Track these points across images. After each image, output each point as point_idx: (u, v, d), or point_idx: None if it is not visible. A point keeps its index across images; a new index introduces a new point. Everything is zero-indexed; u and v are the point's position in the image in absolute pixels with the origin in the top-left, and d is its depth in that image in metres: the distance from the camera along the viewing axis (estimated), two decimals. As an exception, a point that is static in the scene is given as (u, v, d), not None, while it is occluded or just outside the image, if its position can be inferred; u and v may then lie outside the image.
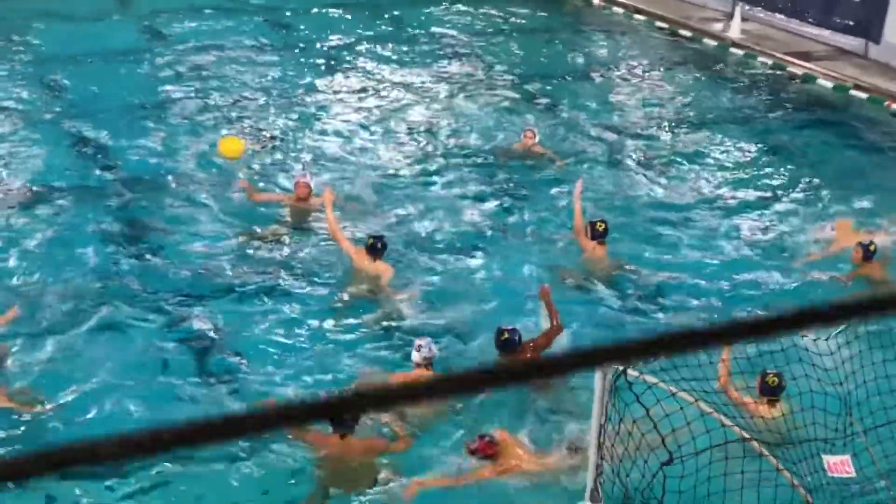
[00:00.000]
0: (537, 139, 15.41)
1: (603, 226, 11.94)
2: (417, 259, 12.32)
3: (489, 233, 13.13)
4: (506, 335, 9.52)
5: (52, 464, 1.37)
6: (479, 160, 15.34)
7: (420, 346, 9.48)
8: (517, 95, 18.56)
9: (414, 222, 13.31)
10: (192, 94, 17.51)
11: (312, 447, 8.65)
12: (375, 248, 11.49)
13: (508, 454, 8.41)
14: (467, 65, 19.94)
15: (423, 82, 18.87)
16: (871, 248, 11.69)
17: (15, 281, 11.33)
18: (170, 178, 14.25)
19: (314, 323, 10.86)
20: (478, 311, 11.18)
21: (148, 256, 12.21)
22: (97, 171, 14.44)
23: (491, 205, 13.94)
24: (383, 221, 13.19)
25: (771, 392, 8.27)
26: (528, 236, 13.02)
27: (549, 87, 19.13)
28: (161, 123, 16.20)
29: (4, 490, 8.15)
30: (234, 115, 16.69)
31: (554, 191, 14.26)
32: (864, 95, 19.24)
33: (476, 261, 12.40)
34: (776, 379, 8.08)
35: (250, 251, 12.31)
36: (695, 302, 11.56)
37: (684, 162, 15.91)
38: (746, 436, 7.22)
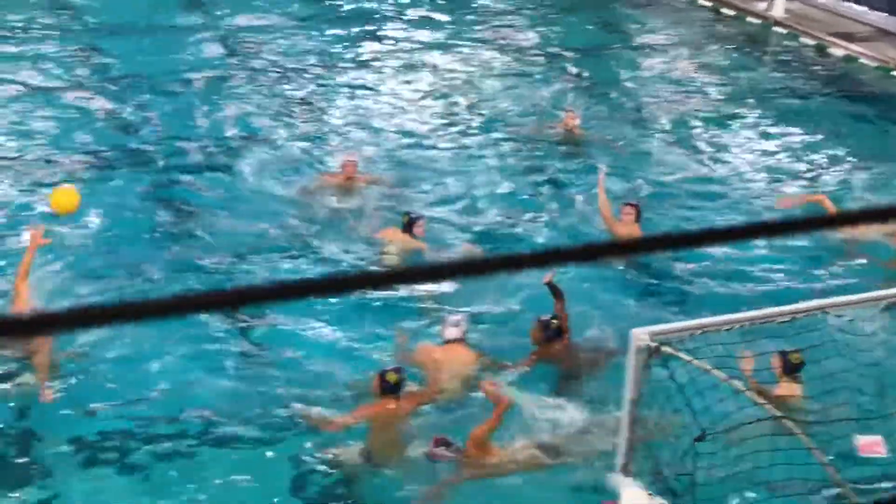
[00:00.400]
0: (578, 121, 15.28)
1: (636, 207, 11.97)
2: (452, 238, 12.38)
3: (526, 214, 13.15)
4: (553, 325, 9.63)
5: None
6: (519, 140, 15.31)
7: (458, 321, 9.62)
8: (558, 73, 18.53)
9: (450, 202, 13.35)
10: (237, 66, 17.63)
11: (368, 419, 8.78)
12: (410, 225, 11.61)
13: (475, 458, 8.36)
14: (507, 40, 19.89)
15: (462, 58, 18.87)
16: None
17: (61, 251, 11.49)
18: (215, 150, 14.41)
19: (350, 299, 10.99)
20: (512, 293, 11.19)
21: (192, 229, 12.37)
22: (143, 144, 14.59)
23: (528, 185, 13.92)
24: (419, 199, 13.26)
25: (794, 369, 8.30)
26: (566, 218, 13.02)
27: (590, 65, 19.08)
28: (205, 94, 16.35)
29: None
30: (277, 87, 16.81)
31: (593, 171, 14.21)
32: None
33: (512, 241, 12.43)
34: (800, 356, 8.03)
35: (293, 227, 12.41)
36: (732, 284, 11.59)
37: (724, 142, 15.85)
38: (778, 414, 7.26)
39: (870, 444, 7.49)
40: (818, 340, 7.67)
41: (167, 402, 9.27)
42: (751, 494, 7.03)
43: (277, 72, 17.48)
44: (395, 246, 11.75)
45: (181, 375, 9.63)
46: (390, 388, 8.64)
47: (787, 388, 8.22)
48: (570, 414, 9.39)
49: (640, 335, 7.13)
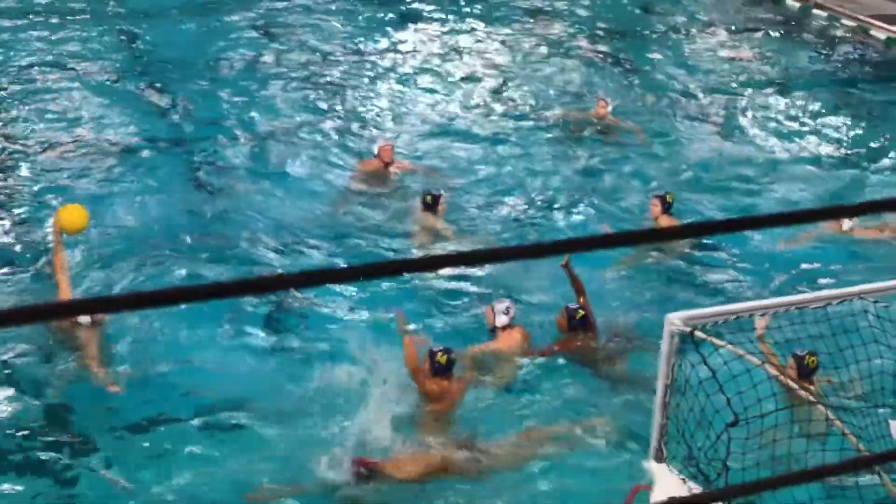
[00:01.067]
0: (610, 108, 15.17)
1: (671, 197, 11.90)
2: (481, 222, 12.39)
3: (557, 202, 13.11)
4: (581, 313, 9.63)
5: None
6: (551, 127, 15.24)
7: (508, 308, 9.65)
8: (593, 57, 18.45)
9: (483, 188, 13.34)
10: (271, 50, 17.70)
11: (429, 397, 8.87)
12: (434, 203, 11.70)
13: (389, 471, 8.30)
14: (541, 24, 19.84)
15: (496, 43, 18.84)
16: None
17: (92, 234, 11.60)
18: (250, 136, 14.48)
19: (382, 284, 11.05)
20: (540, 280, 11.19)
21: (223, 211, 12.46)
22: (176, 130, 14.72)
23: (560, 173, 13.87)
24: (452, 185, 13.27)
25: (810, 373, 8.21)
26: (597, 206, 12.97)
27: (626, 48, 18.99)
28: (237, 79, 16.43)
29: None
30: (312, 72, 16.85)
31: (624, 161, 14.15)
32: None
33: (543, 229, 12.42)
34: (815, 359, 7.96)
35: (329, 214, 12.47)
36: (767, 265, 11.53)
37: (761, 127, 15.75)
38: (813, 399, 7.21)
39: (905, 431, 7.42)
40: (853, 326, 7.60)
41: (206, 385, 9.40)
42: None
43: (312, 56, 17.55)
44: (418, 226, 11.86)
45: (216, 360, 9.74)
46: (441, 370, 8.69)
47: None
48: (600, 400, 9.42)
49: (674, 320, 7.08)
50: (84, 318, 9.22)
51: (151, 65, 16.90)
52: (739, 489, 6.12)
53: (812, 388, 8.15)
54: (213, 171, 13.48)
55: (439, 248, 11.67)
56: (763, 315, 7.39)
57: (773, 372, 7.29)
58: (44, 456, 8.45)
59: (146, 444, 8.64)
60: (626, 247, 10.64)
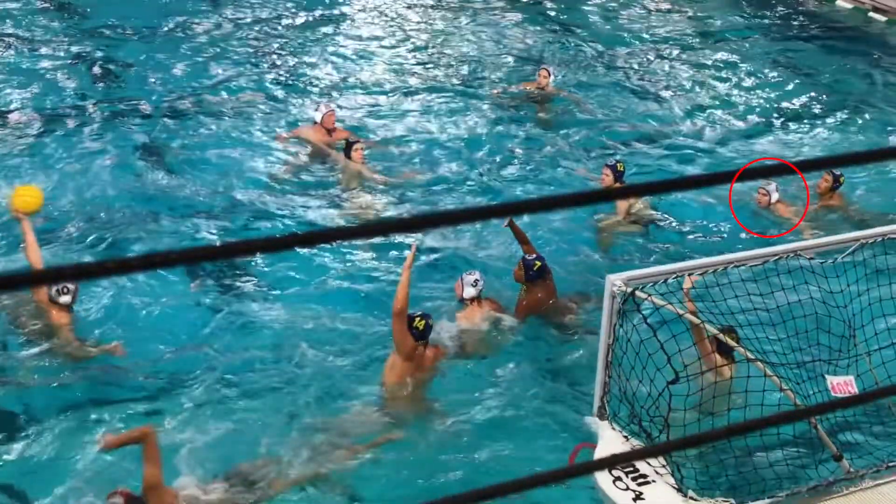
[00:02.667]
0: (552, 78, 15.03)
1: (622, 166, 11.98)
2: (424, 190, 12.39)
3: (499, 170, 13.09)
4: (538, 264, 9.75)
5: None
6: (491, 98, 15.10)
7: (476, 280, 9.67)
8: (537, 25, 18.39)
9: (423, 155, 13.29)
10: (208, 17, 17.46)
11: (402, 352, 8.80)
12: (348, 148, 12.33)
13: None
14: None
15: (437, 11, 18.75)
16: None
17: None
18: (186, 102, 14.33)
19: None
20: (491, 246, 11.24)
21: (164, 181, 12.33)
22: (122, 97, 14.50)
23: (501, 142, 13.79)
24: (393, 154, 13.22)
25: (728, 350, 8.07)
26: (541, 176, 12.97)
27: (569, 17, 18.95)
28: (176, 47, 16.21)
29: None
30: (253, 40, 16.67)
31: (566, 130, 14.14)
32: (882, 18, 19.07)
33: (484, 195, 12.43)
34: (736, 338, 7.83)
35: (269, 179, 12.41)
36: (714, 227, 11.74)
37: (701, 85, 15.89)
38: (751, 356, 7.35)
39: (842, 384, 7.61)
40: (790, 283, 7.75)
41: (179, 358, 9.41)
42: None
43: (253, 24, 17.34)
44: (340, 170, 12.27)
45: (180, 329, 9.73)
46: (418, 335, 8.72)
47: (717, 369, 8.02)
48: (550, 359, 9.54)
49: (615, 280, 7.18)
50: (65, 298, 9.24)
51: (87, 34, 16.58)
52: (679, 443, 6.24)
53: (727, 369, 8.18)
54: (153, 141, 13.29)
55: (364, 194, 11.82)
56: (691, 274, 7.49)
57: (712, 330, 7.41)
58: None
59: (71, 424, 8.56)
60: (587, 206, 10.74)
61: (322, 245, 10.81)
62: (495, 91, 15.24)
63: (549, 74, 14.98)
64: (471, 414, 8.81)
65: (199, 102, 14.32)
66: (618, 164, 11.96)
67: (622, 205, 11.78)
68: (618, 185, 11.80)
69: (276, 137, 13.30)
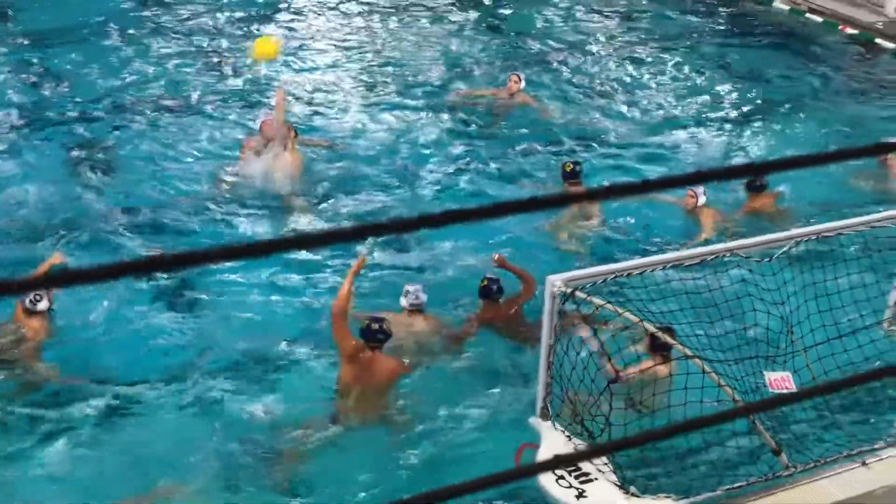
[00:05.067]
0: (523, 84, 14.76)
1: (570, 167, 12.01)
2: (380, 202, 12.29)
3: (472, 181, 12.97)
4: (485, 282, 9.75)
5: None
6: (441, 104, 14.84)
7: (408, 291, 9.64)
8: (483, 28, 18.42)
9: (368, 162, 13.18)
10: (147, 21, 17.30)
11: (345, 354, 8.73)
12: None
13: None
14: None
15: (379, 12, 18.72)
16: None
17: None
18: (126, 110, 14.16)
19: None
20: (461, 259, 11.19)
21: (104, 189, 12.18)
22: (55, 100, 14.30)
23: (467, 151, 13.61)
24: (354, 167, 13.12)
25: (662, 347, 8.12)
26: (512, 185, 12.88)
27: (503, 12, 19.03)
28: (114, 52, 16.03)
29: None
30: (193, 46, 16.53)
31: (533, 136, 14.04)
32: (818, 19, 19.37)
33: (438, 202, 12.35)
34: (672, 336, 7.82)
35: (212, 191, 12.26)
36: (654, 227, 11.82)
37: (643, 89, 16.01)
38: (689, 353, 7.44)
39: (779, 380, 7.72)
40: (727, 281, 7.86)
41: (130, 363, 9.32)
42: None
43: (193, 28, 17.20)
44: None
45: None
46: (368, 333, 8.65)
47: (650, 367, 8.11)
48: (495, 365, 9.54)
49: (555, 281, 7.23)
50: (42, 304, 9.14)
51: (24, 37, 16.34)
52: (621, 443, 6.31)
53: (663, 368, 8.26)
54: (93, 150, 13.08)
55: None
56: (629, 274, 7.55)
57: (651, 328, 7.48)
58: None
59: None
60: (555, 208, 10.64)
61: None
62: (455, 95, 15.10)
63: (520, 80, 14.73)
64: (415, 420, 8.79)
65: (132, 107, 14.13)
66: (566, 165, 12.04)
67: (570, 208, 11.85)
68: (575, 183, 11.92)
69: (241, 148, 12.98)
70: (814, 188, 12.29)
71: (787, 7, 19.89)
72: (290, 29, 17.57)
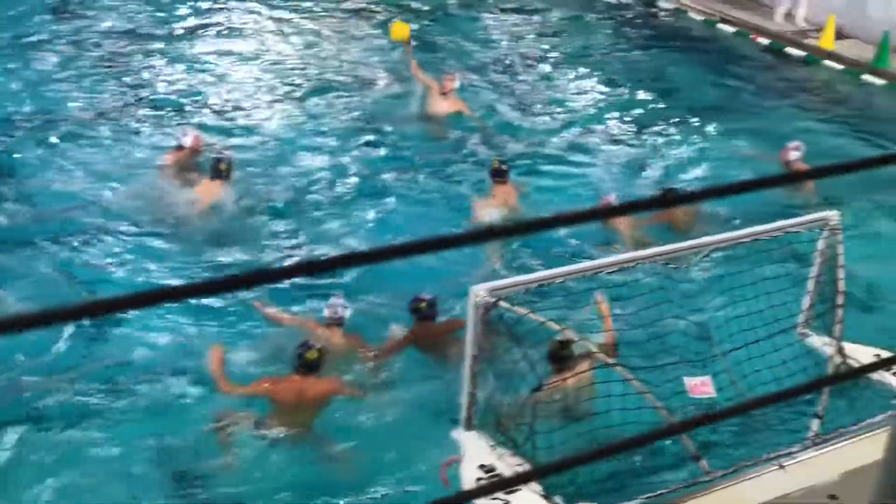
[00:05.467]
0: (457, 84, 14.62)
1: (497, 164, 12.15)
2: (305, 216, 12.15)
3: (400, 193, 12.89)
4: (415, 303, 9.63)
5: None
6: (382, 120, 14.71)
7: (330, 304, 9.52)
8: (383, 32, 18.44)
9: (303, 173, 13.06)
10: (60, 32, 16.99)
11: (270, 392, 8.59)
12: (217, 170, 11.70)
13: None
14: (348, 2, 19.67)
15: (298, 20, 18.63)
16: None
17: None
18: (37, 125, 13.86)
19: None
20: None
21: (15, 210, 11.87)
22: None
23: (391, 169, 13.41)
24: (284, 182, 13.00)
25: (560, 360, 8.14)
26: (444, 197, 12.82)
27: (417, 24, 19.07)
28: (25, 63, 15.71)
29: None
30: (106, 58, 16.26)
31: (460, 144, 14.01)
32: (730, 29, 19.76)
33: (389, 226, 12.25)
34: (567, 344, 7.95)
35: (134, 207, 12.00)
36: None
37: (560, 100, 16.15)
38: (611, 361, 7.51)
39: (699, 385, 7.83)
40: (646, 288, 7.95)
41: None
42: (584, 440, 7.27)
43: (106, 41, 16.93)
44: (203, 196, 11.69)
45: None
46: (307, 366, 8.55)
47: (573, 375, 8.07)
48: (420, 379, 9.50)
49: (478, 291, 7.24)
50: None
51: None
52: (558, 466, 6.33)
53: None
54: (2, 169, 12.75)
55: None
56: (549, 284, 7.60)
57: (573, 337, 7.54)
58: None
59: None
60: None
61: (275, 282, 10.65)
62: (415, 68, 14.99)
63: (454, 80, 14.64)
64: (339, 438, 8.70)
65: (51, 125, 13.84)
66: (493, 163, 12.20)
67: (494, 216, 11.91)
68: (502, 181, 12.01)
69: (162, 166, 12.75)
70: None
71: (700, 17, 20.26)
72: (208, 41, 17.41)
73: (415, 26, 17.22)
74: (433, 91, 14.63)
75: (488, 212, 11.87)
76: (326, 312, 9.48)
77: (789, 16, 19.72)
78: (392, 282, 10.53)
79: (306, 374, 8.56)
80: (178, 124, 13.73)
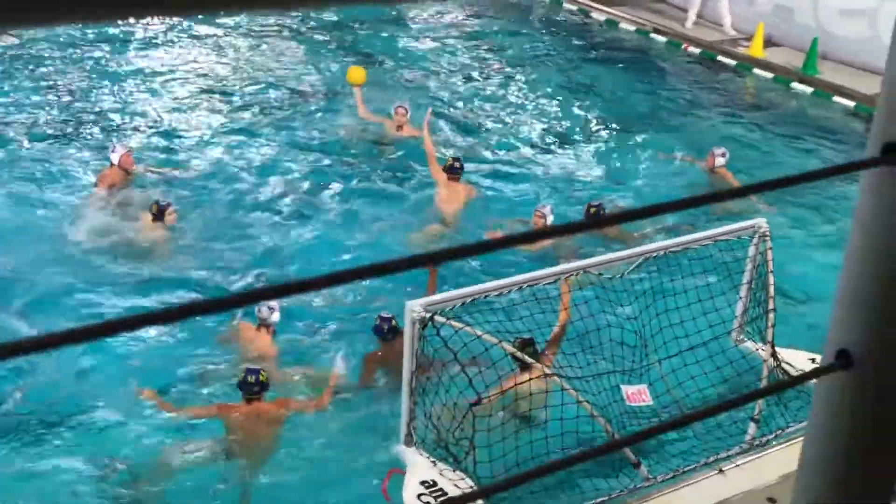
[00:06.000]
0: (408, 117, 14.37)
1: (451, 161, 12.52)
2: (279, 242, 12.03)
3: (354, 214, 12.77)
4: (379, 322, 9.53)
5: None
6: (338, 143, 14.47)
7: (271, 306, 9.47)
8: (343, 50, 18.43)
9: (281, 224, 12.86)
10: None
11: (222, 418, 8.53)
12: (160, 213, 11.44)
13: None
14: (283, 17, 19.62)
15: (228, 39, 18.55)
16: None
17: None
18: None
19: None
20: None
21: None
22: None
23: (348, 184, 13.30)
24: (192, 181, 12.91)
25: (527, 368, 8.02)
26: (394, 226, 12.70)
27: (366, 39, 19.10)
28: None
29: None
30: (37, 78, 16.06)
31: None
32: (663, 39, 20.01)
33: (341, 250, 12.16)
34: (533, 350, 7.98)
35: (66, 231, 11.80)
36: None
37: (497, 110, 16.23)
38: (548, 371, 7.55)
39: (636, 394, 7.91)
40: (581, 299, 8.01)
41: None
42: (525, 452, 7.30)
43: (40, 63, 16.72)
44: (144, 234, 11.50)
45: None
46: (250, 389, 8.47)
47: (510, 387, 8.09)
48: (358, 395, 9.46)
49: (414, 307, 7.26)
50: None
51: None
52: (500, 486, 6.33)
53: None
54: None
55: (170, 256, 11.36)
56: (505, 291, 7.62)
57: (509, 349, 7.57)
58: None
59: None
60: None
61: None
62: (363, 111, 14.83)
63: (406, 112, 14.43)
64: (277, 455, 8.64)
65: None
66: (449, 160, 12.55)
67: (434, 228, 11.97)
68: (454, 178, 12.27)
69: (97, 183, 12.55)
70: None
71: (633, 28, 20.50)
72: (146, 59, 17.26)
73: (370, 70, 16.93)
74: (387, 126, 14.53)
75: (436, 207, 11.97)
76: (259, 314, 9.46)
77: (699, 20, 20.08)
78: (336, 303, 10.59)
79: (252, 400, 8.52)
80: (107, 144, 13.54)
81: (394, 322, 9.27)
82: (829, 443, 1.47)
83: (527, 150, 14.75)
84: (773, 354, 8.12)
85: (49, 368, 9.36)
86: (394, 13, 20.58)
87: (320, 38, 18.97)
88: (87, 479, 8.20)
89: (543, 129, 15.56)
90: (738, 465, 7.67)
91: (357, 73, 15.05)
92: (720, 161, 13.37)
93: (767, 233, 8.03)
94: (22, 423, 8.68)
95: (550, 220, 11.90)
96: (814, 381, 1.46)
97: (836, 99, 17.11)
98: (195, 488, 8.17)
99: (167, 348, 9.68)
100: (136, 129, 14.57)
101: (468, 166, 13.13)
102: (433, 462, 7.50)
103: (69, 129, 14.33)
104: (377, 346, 9.56)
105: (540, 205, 11.97)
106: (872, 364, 1.38)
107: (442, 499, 7.13)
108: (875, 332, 1.37)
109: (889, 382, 1.39)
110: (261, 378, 8.47)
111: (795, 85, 17.78)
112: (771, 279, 8.00)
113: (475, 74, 17.72)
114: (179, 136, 14.41)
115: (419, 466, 7.50)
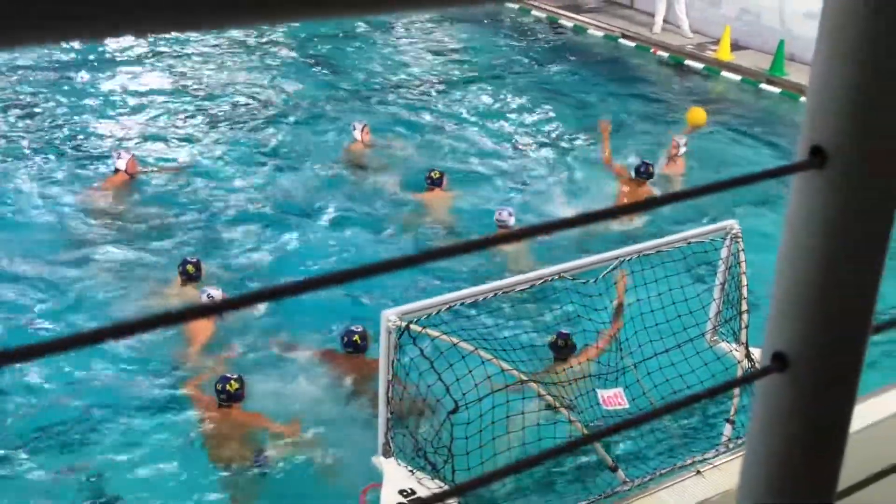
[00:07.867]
0: (368, 135, 14.31)
1: (437, 174, 12.71)
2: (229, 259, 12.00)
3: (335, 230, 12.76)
4: (347, 336, 9.53)
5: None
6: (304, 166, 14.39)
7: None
8: (302, 61, 18.41)
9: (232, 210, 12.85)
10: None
11: (200, 409, 8.56)
12: None
13: None
14: (248, 34, 19.62)
15: (205, 55, 18.48)
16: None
17: None
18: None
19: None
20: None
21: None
22: None
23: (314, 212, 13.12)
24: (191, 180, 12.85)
25: (559, 351, 8.58)
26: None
27: (326, 49, 19.08)
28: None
29: None
30: (25, 93, 15.95)
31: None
32: (631, 44, 20.11)
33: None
34: (565, 341, 8.33)
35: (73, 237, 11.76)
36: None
37: (462, 116, 16.25)
38: (525, 378, 7.55)
39: (612, 397, 7.92)
40: (557, 304, 8.02)
41: None
42: (503, 458, 7.29)
43: (26, 76, 16.64)
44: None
45: None
46: (229, 397, 8.43)
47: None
48: (336, 408, 9.43)
49: (389, 316, 7.23)
50: None
51: None
52: (470, 484, 6.32)
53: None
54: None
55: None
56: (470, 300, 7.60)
57: (486, 356, 7.56)
58: None
59: None
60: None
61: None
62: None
63: (367, 129, 14.34)
64: (253, 467, 8.60)
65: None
66: (432, 172, 12.76)
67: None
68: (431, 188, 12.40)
69: (98, 190, 12.56)
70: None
71: (601, 34, 20.59)
72: (117, 75, 17.18)
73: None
74: (356, 145, 14.45)
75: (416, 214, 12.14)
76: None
77: (667, 24, 20.20)
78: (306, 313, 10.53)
79: (230, 405, 8.48)
80: (100, 155, 13.53)
81: (356, 338, 9.31)
82: (769, 446, 1.48)
83: (494, 159, 14.76)
84: (748, 355, 8.15)
85: (36, 375, 9.36)
86: (360, 28, 20.57)
87: (286, 52, 18.92)
88: (56, 482, 8.17)
89: (512, 135, 15.58)
90: (716, 467, 7.69)
91: (698, 115, 14.99)
92: (682, 150, 13.90)
93: (739, 234, 8.07)
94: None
95: (512, 221, 11.96)
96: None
97: (804, 99, 17.20)
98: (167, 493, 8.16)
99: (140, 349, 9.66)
100: (121, 140, 14.54)
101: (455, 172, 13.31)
102: (411, 471, 7.47)
103: (57, 146, 14.25)
104: (346, 357, 9.57)
105: (499, 208, 12.07)
106: (807, 366, 1.39)
107: (411, 498, 7.12)
108: (809, 334, 1.38)
109: (824, 384, 1.40)
110: (228, 387, 8.45)
111: (764, 86, 17.92)
112: (744, 280, 8.03)
113: (443, 84, 17.73)
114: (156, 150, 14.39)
115: (397, 477, 7.47)
